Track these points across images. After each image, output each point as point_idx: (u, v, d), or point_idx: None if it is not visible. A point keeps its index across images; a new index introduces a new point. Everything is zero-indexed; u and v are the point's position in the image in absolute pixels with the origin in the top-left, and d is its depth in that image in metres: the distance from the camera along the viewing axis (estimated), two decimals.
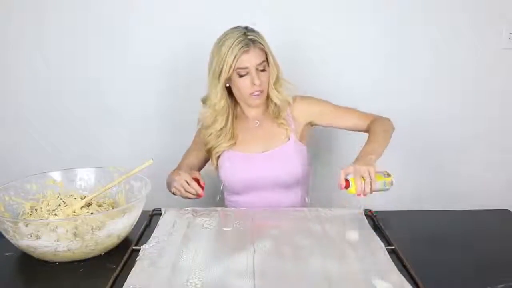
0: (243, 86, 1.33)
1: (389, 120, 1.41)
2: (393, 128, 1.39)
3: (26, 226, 0.99)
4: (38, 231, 0.98)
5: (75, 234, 0.98)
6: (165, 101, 1.87)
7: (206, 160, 1.47)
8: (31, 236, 0.97)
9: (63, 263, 1.00)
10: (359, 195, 1.13)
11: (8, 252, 1.04)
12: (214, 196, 1.55)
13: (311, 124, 1.45)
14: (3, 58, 1.83)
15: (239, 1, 1.77)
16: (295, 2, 1.77)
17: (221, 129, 1.39)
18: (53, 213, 1.10)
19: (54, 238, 0.97)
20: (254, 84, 1.31)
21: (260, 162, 1.37)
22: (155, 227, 1.14)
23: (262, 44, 1.31)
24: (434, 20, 1.78)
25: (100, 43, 1.81)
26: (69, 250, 0.98)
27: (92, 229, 0.99)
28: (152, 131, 1.89)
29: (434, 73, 1.83)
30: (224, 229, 1.11)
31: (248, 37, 1.29)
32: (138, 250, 1.02)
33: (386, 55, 1.82)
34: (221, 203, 1.49)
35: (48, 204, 1.14)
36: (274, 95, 1.37)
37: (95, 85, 1.85)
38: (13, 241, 1.01)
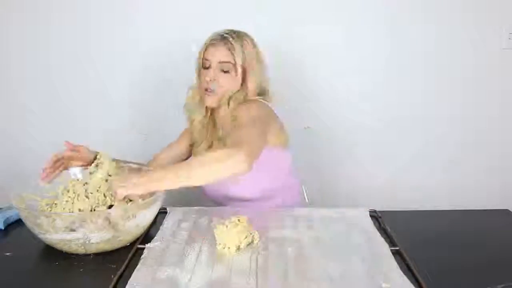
0: (201, 78, 1.31)
1: (232, 150, 1.03)
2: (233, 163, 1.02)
3: (62, 219, 0.99)
4: (75, 223, 0.98)
5: (110, 224, 0.99)
6: (166, 99, 1.88)
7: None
8: (65, 229, 0.98)
9: (64, 262, 0.99)
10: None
11: (8, 252, 1.04)
12: None
13: None
14: (4, 58, 1.84)
15: (238, 2, 1.77)
16: (295, 2, 1.77)
17: (203, 117, 1.34)
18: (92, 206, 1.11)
19: (90, 229, 0.98)
20: (205, 79, 1.27)
21: None
22: (160, 226, 1.14)
23: (232, 45, 1.25)
24: (434, 20, 1.79)
25: (101, 43, 1.82)
26: (101, 241, 1.00)
27: (128, 218, 1.01)
28: (153, 131, 1.90)
29: (434, 73, 1.84)
30: None
31: (223, 34, 1.28)
32: (143, 249, 1.02)
33: (385, 55, 1.83)
34: None
35: (68, 197, 1.14)
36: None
37: (96, 84, 1.85)
38: (43, 236, 1.01)
